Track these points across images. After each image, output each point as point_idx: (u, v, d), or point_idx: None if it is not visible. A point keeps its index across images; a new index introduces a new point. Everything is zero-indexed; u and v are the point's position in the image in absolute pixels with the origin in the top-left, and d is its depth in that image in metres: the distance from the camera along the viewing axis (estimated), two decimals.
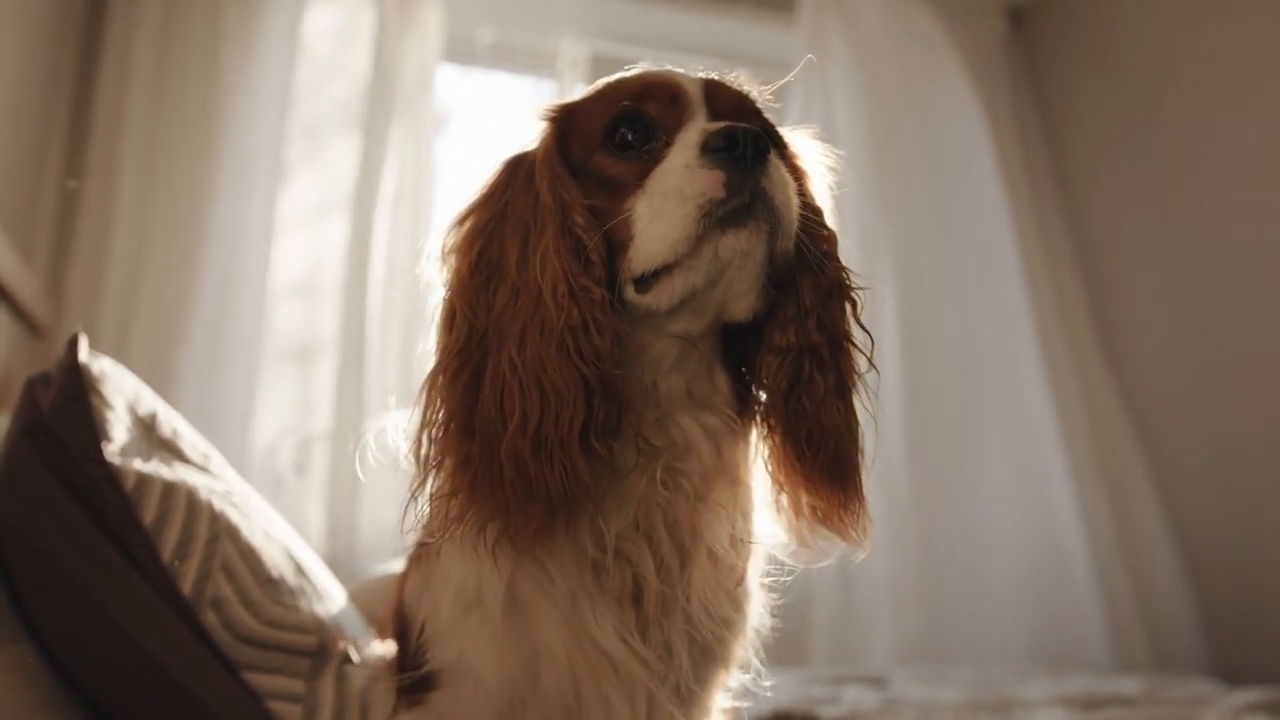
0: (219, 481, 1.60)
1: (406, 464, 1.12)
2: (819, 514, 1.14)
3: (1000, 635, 3.41)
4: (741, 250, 1.06)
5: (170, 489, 1.45)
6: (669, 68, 1.22)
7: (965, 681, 2.75)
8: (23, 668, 1.31)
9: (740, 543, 1.17)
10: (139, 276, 3.04)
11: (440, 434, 1.08)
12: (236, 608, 1.42)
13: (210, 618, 1.39)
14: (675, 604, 1.12)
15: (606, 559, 1.10)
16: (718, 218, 1.04)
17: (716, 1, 4.05)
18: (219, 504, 1.50)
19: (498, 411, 1.05)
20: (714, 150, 1.05)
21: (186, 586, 1.39)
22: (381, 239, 3.32)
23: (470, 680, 1.13)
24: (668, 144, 1.11)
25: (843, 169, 1.28)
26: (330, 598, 1.63)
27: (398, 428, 1.17)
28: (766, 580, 1.25)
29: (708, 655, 1.18)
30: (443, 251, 1.16)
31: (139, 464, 1.44)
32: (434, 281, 1.17)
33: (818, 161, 1.26)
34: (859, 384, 1.19)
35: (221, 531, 1.47)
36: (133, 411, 1.54)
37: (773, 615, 1.26)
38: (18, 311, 2.64)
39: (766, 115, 1.23)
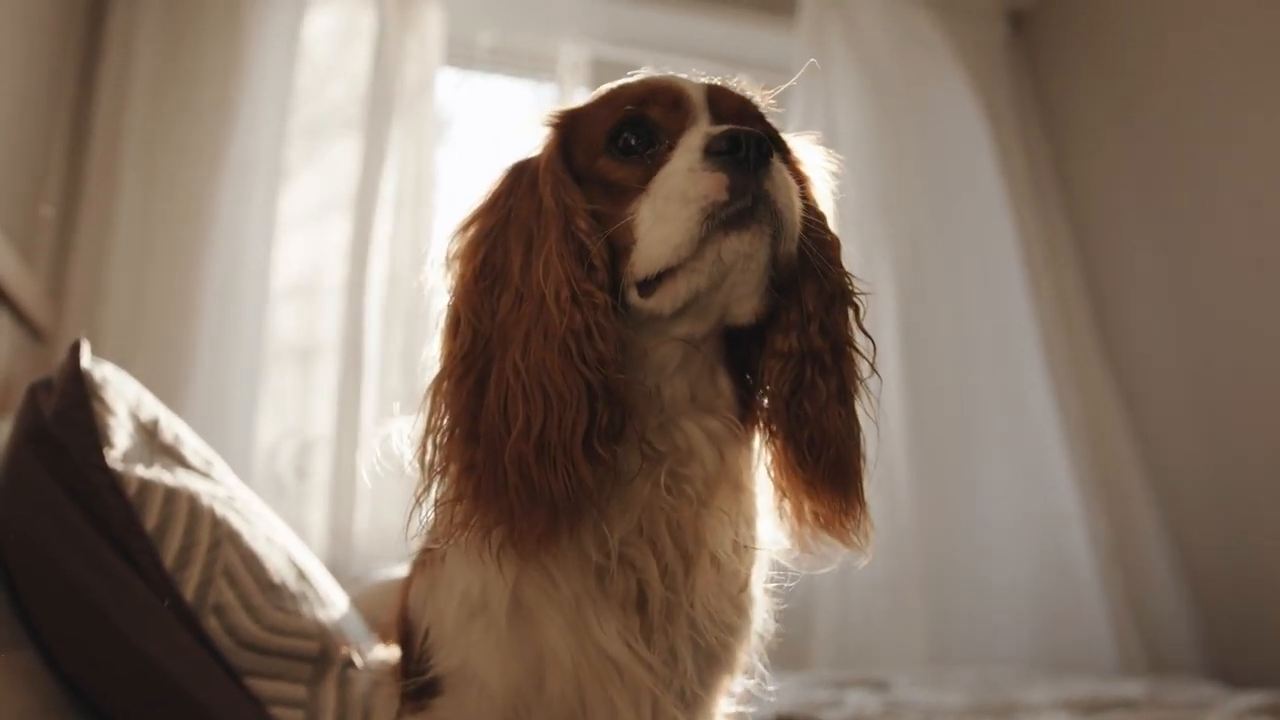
0: (221, 487, 1.60)
1: (411, 470, 1.11)
2: (820, 519, 1.15)
3: (1002, 638, 3.41)
4: (744, 253, 1.06)
5: (172, 495, 1.45)
6: (672, 73, 1.22)
7: (968, 685, 2.74)
8: (25, 673, 1.32)
9: (743, 548, 1.17)
10: (141, 280, 3.04)
11: (445, 440, 1.08)
12: (239, 613, 1.42)
13: (212, 623, 1.39)
14: (679, 609, 1.12)
15: (610, 564, 1.10)
16: (720, 220, 1.04)
17: (717, 5, 4.05)
18: (221, 510, 1.50)
19: (502, 417, 1.05)
20: (717, 153, 1.06)
21: (189, 592, 1.39)
22: (382, 242, 3.32)
23: (475, 686, 1.13)
24: (670, 148, 1.12)
25: (843, 172, 1.28)
26: (332, 603, 1.63)
27: (401, 433, 1.17)
28: (770, 585, 1.25)
29: (712, 660, 1.18)
30: (446, 258, 1.16)
31: (141, 470, 1.44)
32: (438, 288, 1.17)
33: (820, 167, 1.26)
34: (861, 389, 1.19)
35: (223, 537, 1.47)
36: (135, 417, 1.54)
37: (775, 620, 1.26)
38: (19, 316, 2.64)
39: (769, 120, 1.24)
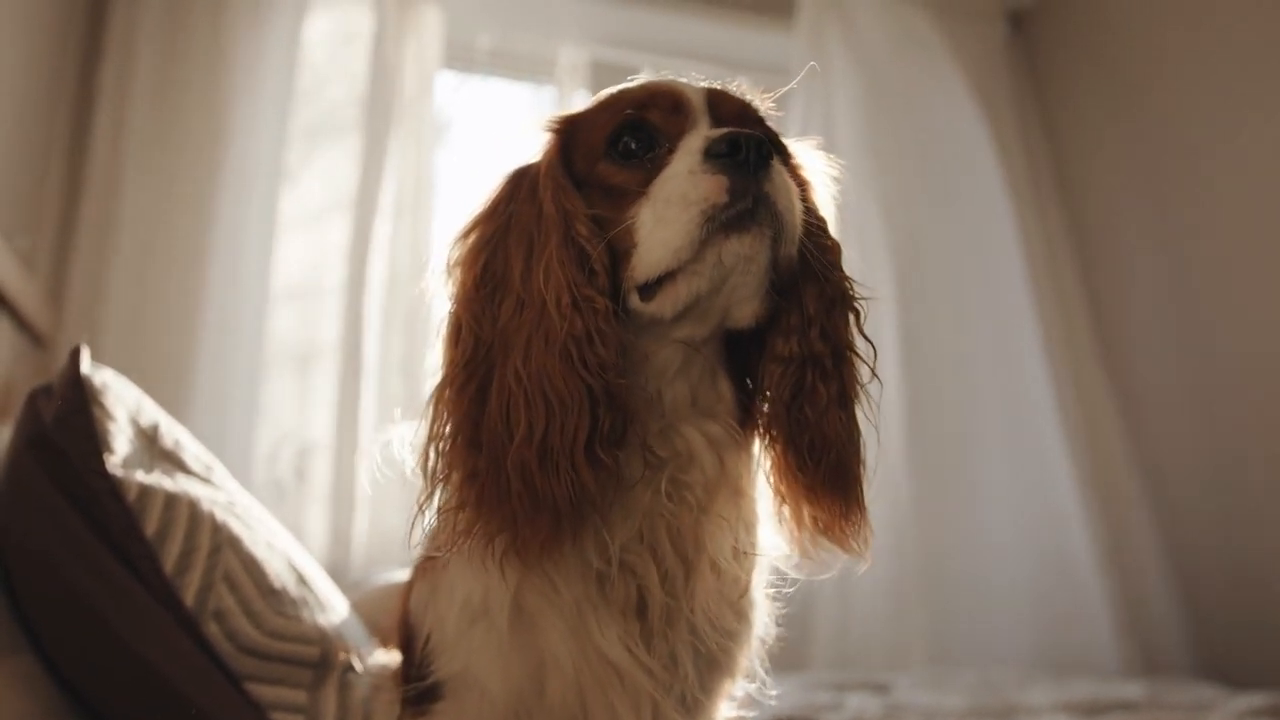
0: (221, 492, 1.59)
1: (412, 476, 1.11)
2: (820, 525, 1.14)
3: (1003, 640, 3.41)
4: (745, 255, 1.06)
5: (172, 500, 1.45)
6: (671, 77, 1.22)
7: (968, 687, 2.74)
8: (25, 678, 1.32)
9: (743, 554, 1.17)
10: (141, 284, 3.03)
11: (447, 447, 1.08)
12: (239, 619, 1.42)
13: (213, 629, 1.39)
14: (679, 615, 1.12)
15: (611, 570, 1.10)
16: (721, 222, 1.04)
17: (716, 7, 4.06)
18: (221, 515, 1.50)
19: (504, 423, 1.05)
20: (717, 156, 1.06)
21: (189, 598, 1.39)
22: (382, 245, 3.32)
23: (476, 691, 1.13)
24: (670, 152, 1.12)
25: (842, 174, 1.28)
26: (332, 608, 1.63)
27: (402, 439, 1.17)
28: (770, 590, 1.25)
29: (712, 665, 1.18)
30: (447, 265, 1.16)
31: (141, 475, 1.44)
32: (439, 295, 1.17)
33: (821, 172, 1.26)
34: (861, 394, 1.19)
35: (224, 543, 1.47)
36: (135, 423, 1.54)
37: (776, 623, 1.26)
38: (20, 321, 2.63)
39: (769, 123, 1.24)
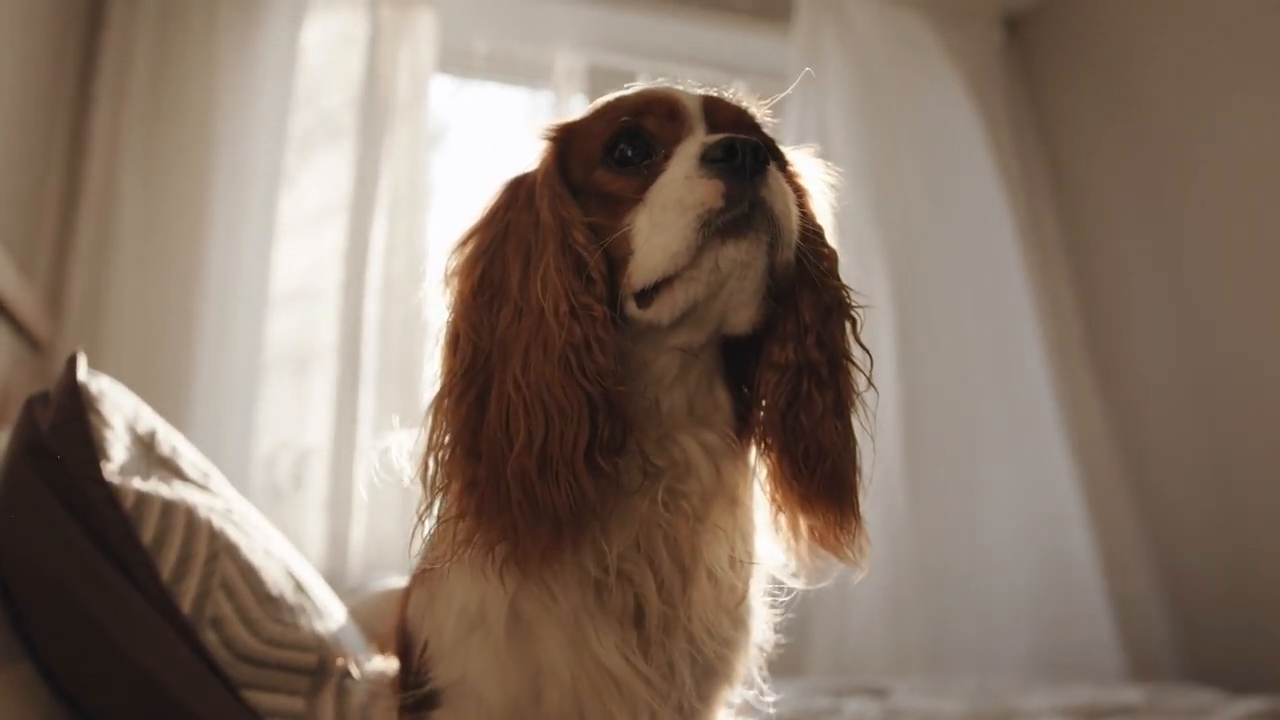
0: (218, 499, 1.59)
1: (412, 485, 1.11)
2: (816, 534, 1.14)
3: (1001, 645, 3.41)
4: (741, 260, 1.06)
5: (169, 507, 1.45)
6: (667, 84, 1.22)
7: (967, 692, 2.74)
8: (23, 687, 1.31)
9: (739, 563, 1.17)
10: (139, 290, 3.03)
11: (446, 457, 1.08)
12: (236, 626, 1.42)
13: (210, 636, 1.39)
14: (677, 624, 1.11)
15: (608, 579, 1.10)
16: (717, 227, 1.04)
17: (713, 12, 4.05)
18: (218, 522, 1.50)
19: (503, 432, 1.04)
20: (713, 161, 1.06)
21: (186, 605, 1.38)
22: (378, 250, 3.32)
23: (473, 700, 1.13)
24: (667, 158, 1.11)
25: (839, 178, 1.28)
26: (330, 615, 1.63)
27: (401, 447, 1.17)
28: (768, 597, 1.25)
29: (710, 673, 1.17)
30: (445, 274, 1.16)
31: (138, 483, 1.44)
32: (437, 304, 1.17)
33: (818, 180, 1.26)
34: (857, 403, 1.18)
35: (221, 549, 1.47)
36: (132, 430, 1.54)
37: (775, 630, 1.26)
38: (18, 327, 2.63)
39: (766, 130, 1.24)
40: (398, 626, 1.32)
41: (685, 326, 1.12)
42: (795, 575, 1.21)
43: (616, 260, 1.11)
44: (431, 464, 1.09)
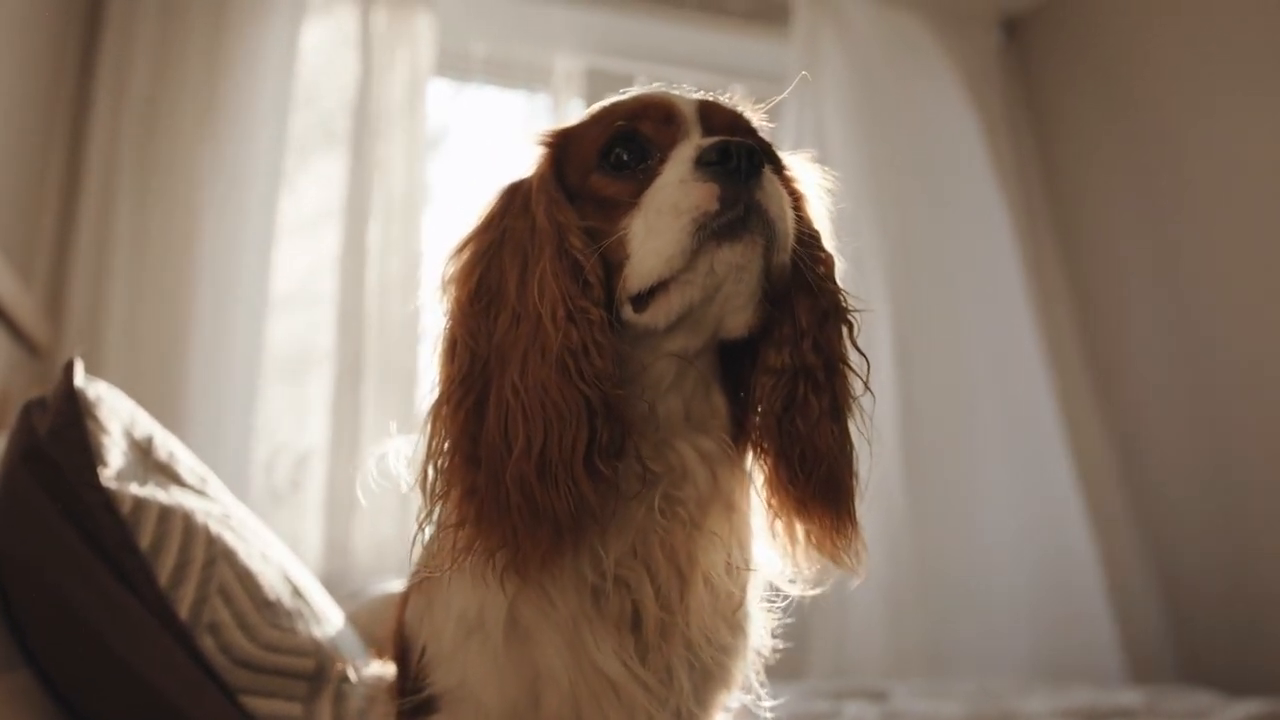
0: (215, 504, 1.59)
1: (410, 492, 1.11)
2: (812, 539, 1.14)
3: (1000, 648, 3.41)
4: (737, 264, 1.06)
5: (167, 513, 1.44)
6: (663, 88, 1.22)
7: (966, 695, 2.74)
8: (21, 694, 1.31)
9: (736, 570, 1.16)
10: (138, 294, 3.03)
11: (445, 464, 1.08)
12: (233, 631, 1.41)
13: (207, 642, 1.38)
14: (674, 630, 1.11)
15: (606, 585, 1.09)
16: (712, 230, 1.04)
17: (711, 15, 4.06)
18: (216, 527, 1.50)
19: (502, 438, 1.04)
20: (708, 164, 1.05)
21: (183, 610, 1.38)
22: (374, 253, 3.32)
23: (471, 705, 1.13)
24: (662, 162, 1.11)
25: (837, 181, 1.28)
26: (328, 619, 1.63)
27: (399, 452, 1.17)
28: (767, 603, 1.24)
29: (708, 678, 1.17)
30: (442, 281, 1.16)
31: (135, 488, 1.43)
32: (434, 311, 1.16)
33: (815, 184, 1.26)
34: (854, 407, 1.18)
35: (218, 555, 1.47)
36: (129, 435, 1.53)
37: (773, 635, 1.26)
38: (17, 332, 2.63)
39: (762, 134, 1.24)
40: (395, 631, 1.32)
41: (682, 330, 1.12)
42: (793, 581, 1.20)
43: (613, 264, 1.11)
44: (431, 471, 1.09)
